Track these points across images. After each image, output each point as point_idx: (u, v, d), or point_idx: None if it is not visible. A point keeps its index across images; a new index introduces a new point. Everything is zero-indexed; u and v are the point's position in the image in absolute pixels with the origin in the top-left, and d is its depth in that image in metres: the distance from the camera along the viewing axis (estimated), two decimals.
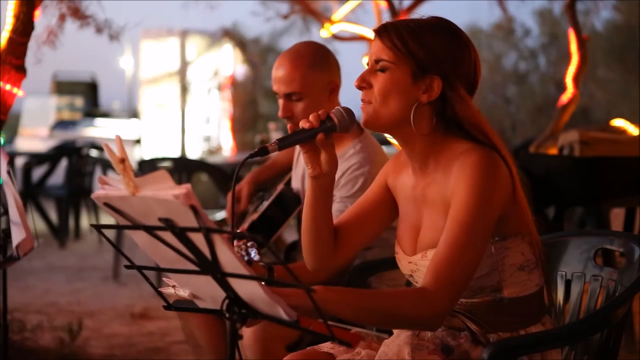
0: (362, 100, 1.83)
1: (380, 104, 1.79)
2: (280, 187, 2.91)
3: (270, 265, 2.50)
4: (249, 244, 2.42)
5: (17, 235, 2.41)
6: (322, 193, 1.89)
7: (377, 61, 1.80)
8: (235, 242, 2.48)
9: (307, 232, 1.93)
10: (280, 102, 2.72)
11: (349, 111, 1.84)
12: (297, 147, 2.95)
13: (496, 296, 1.82)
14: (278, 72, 2.71)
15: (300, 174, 2.89)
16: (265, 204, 2.85)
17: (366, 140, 2.65)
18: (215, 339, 2.71)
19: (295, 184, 2.91)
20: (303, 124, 1.81)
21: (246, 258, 2.38)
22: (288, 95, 2.69)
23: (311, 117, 1.81)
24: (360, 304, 1.66)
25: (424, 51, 1.77)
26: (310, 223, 1.92)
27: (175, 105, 11.74)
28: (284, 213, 2.82)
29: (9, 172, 2.44)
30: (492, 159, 1.74)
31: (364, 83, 1.82)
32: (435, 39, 1.78)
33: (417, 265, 1.84)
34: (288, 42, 12.24)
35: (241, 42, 12.35)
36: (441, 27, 1.81)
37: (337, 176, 2.65)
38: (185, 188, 1.33)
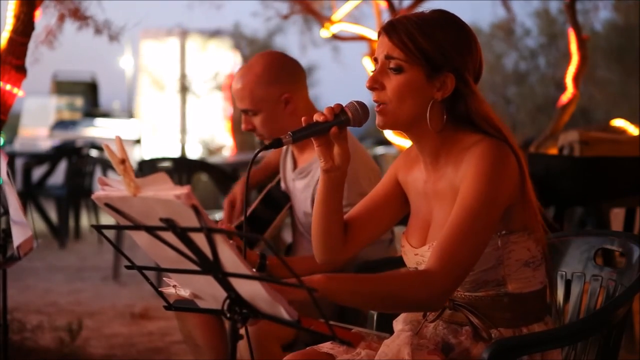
0: (375, 101, 1.82)
1: (396, 105, 1.79)
2: (268, 186, 2.92)
3: (263, 254, 2.51)
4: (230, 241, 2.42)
5: (20, 235, 2.41)
6: (334, 187, 1.89)
7: (388, 58, 1.79)
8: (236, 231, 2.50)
9: (318, 225, 1.93)
10: (242, 116, 2.79)
11: (363, 105, 1.84)
12: (284, 150, 2.96)
13: (500, 290, 1.83)
14: (235, 85, 2.77)
15: (283, 175, 2.91)
16: (254, 204, 2.86)
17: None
18: (213, 339, 2.71)
19: (283, 185, 2.92)
20: (317, 117, 1.81)
21: None
22: (244, 110, 2.76)
23: (325, 111, 1.81)
24: (363, 290, 1.67)
25: (435, 49, 1.77)
26: (321, 217, 1.92)
27: (174, 95, 11.74)
28: (273, 211, 2.83)
29: (8, 173, 2.44)
30: (501, 150, 1.75)
31: (376, 84, 1.81)
32: (443, 34, 1.78)
33: (424, 257, 1.84)
34: (284, 41, 12.24)
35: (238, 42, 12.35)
36: (447, 21, 1.81)
37: (314, 181, 2.66)
38: (186, 188, 1.33)
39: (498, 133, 1.79)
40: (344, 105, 1.83)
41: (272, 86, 2.71)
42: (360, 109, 1.83)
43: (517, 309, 1.83)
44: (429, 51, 1.77)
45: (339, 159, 1.85)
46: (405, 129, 1.85)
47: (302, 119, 1.84)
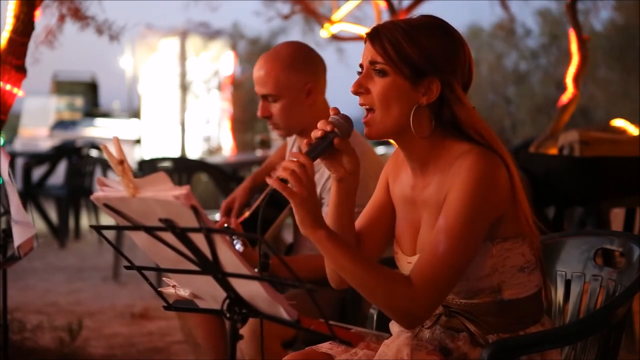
0: (361, 105, 1.81)
1: (382, 111, 1.78)
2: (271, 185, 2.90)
3: (266, 253, 2.51)
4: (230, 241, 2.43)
5: (21, 235, 2.40)
6: (347, 195, 1.85)
7: (372, 63, 1.79)
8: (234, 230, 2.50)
9: None
10: (260, 102, 2.76)
11: (345, 117, 1.81)
12: (289, 148, 2.95)
13: (496, 297, 1.82)
14: (256, 72, 2.75)
15: None
16: (256, 202, 2.85)
17: (353, 139, 2.64)
18: (214, 338, 2.71)
19: None
20: (315, 134, 1.78)
21: None
22: (264, 96, 2.73)
23: (320, 125, 1.78)
24: (350, 269, 1.70)
25: (419, 54, 1.75)
26: (337, 232, 1.86)
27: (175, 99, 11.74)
28: (275, 210, 2.83)
29: (9, 173, 2.44)
30: (490, 161, 1.73)
31: (360, 89, 1.80)
32: (429, 39, 1.76)
33: None
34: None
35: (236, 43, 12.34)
36: (434, 26, 1.79)
37: (324, 179, 2.65)
38: (185, 189, 1.33)
39: (485, 141, 1.76)
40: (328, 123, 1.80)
41: (299, 74, 2.70)
42: (344, 121, 1.81)
43: (514, 314, 1.83)
44: (413, 56, 1.75)
45: (349, 165, 1.82)
46: (394, 137, 1.83)
47: (304, 142, 1.80)
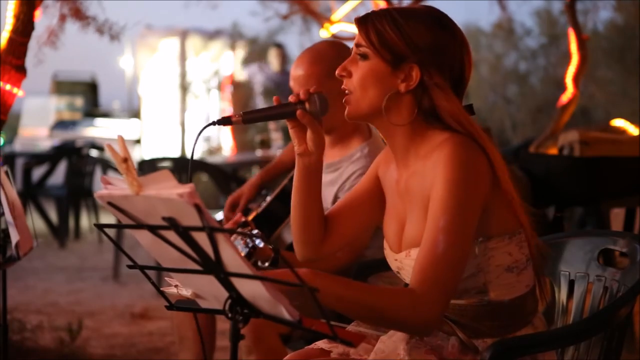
0: (342, 89, 1.82)
1: (359, 93, 1.79)
2: (283, 182, 2.91)
3: (277, 248, 2.52)
4: (254, 231, 2.44)
5: (13, 236, 2.41)
6: (308, 174, 1.87)
7: (357, 46, 1.80)
8: (239, 229, 2.52)
9: (296, 217, 1.92)
10: None
11: (322, 97, 1.84)
12: None
13: (483, 298, 1.78)
14: (296, 71, 2.71)
15: None
16: (268, 199, 2.86)
17: (374, 144, 2.63)
18: (201, 332, 2.69)
19: None
20: (291, 99, 1.83)
21: (250, 245, 2.40)
22: None
23: (298, 93, 1.82)
24: (349, 297, 1.63)
25: (401, 39, 1.74)
26: (298, 208, 1.91)
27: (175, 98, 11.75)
28: (287, 208, 2.83)
29: (6, 173, 2.44)
30: (468, 147, 1.70)
31: (344, 72, 1.81)
32: (415, 27, 1.75)
33: (402, 264, 1.81)
34: (285, 40, 12.21)
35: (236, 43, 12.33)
36: (426, 15, 1.77)
37: (342, 179, 2.64)
38: (189, 187, 1.33)
39: (465, 130, 1.73)
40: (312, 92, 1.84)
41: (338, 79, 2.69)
42: (319, 100, 1.83)
43: (502, 317, 1.78)
44: (394, 41, 1.74)
45: (312, 143, 1.84)
46: (371, 120, 1.83)
47: (274, 97, 1.85)
